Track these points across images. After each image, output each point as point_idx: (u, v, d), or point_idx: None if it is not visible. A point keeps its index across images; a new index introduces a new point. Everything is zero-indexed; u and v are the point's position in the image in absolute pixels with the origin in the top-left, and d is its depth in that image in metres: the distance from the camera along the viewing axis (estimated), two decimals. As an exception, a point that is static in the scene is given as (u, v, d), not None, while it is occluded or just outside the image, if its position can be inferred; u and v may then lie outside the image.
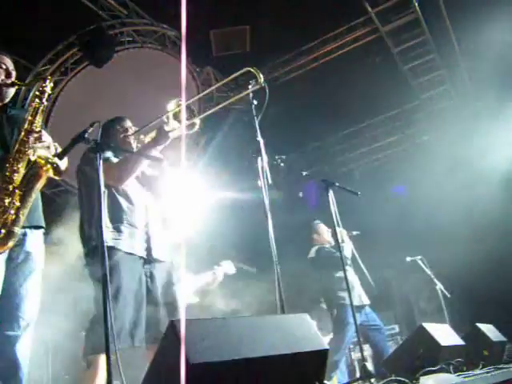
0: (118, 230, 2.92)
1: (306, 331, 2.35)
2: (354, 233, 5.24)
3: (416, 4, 6.25)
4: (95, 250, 2.86)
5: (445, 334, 3.48)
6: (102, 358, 2.62)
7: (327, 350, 2.34)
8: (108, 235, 2.85)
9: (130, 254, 2.92)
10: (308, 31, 6.50)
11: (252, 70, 2.98)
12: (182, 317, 2.70)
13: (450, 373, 2.99)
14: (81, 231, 3.00)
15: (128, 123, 3.29)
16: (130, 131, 3.26)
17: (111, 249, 2.80)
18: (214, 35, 6.00)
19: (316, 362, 2.32)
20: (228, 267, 4.73)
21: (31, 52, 5.55)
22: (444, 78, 7.71)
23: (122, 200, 3.03)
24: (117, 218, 2.95)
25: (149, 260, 3.01)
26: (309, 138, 8.18)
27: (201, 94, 5.54)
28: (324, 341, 2.40)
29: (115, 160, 3.06)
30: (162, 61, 6.30)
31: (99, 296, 2.78)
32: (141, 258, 2.97)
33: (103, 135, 3.10)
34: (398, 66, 7.30)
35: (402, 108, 8.38)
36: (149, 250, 3.02)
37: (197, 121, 3.03)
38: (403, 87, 7.72)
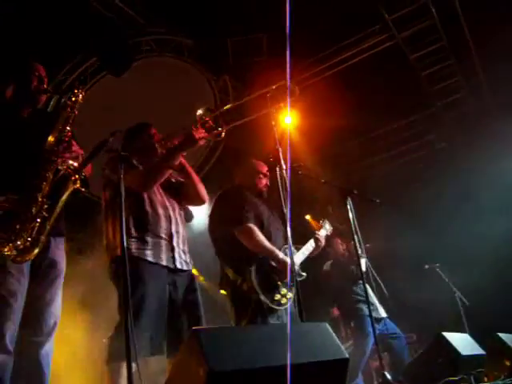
0: (142, 240, 2.96)
1: (327, 340, 2.34)
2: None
3: (433, 10, 6.22)
4: (119, 260, 2.89)
5: (465, 344, 3.45)
6: (124, 366, 2.65)
7: (347, 359, 2.33)
8: (133, 245, 2.88)
9: (155, 263, 2.95)
10: (324, 39, 6.51)
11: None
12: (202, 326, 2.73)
13: (471, 383, 2.96)
14: (105, 240, 3.04)
15: (153, 129, 3.32)
16: (156, 137, 3.28)
17: (136, 259, 2.84)
18: (231, 43, 6.04)
19: (337, 371, 2.32)
20: (328, 227, 4.40)
21: (51, 62, 5.64)
22: (461, 85, 7.65)
23: (147, 210, 3.05)
24: (142, 228, 2.99)
25: (172, 270, 3.03)
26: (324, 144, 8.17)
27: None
28: (344, 350, 2.39)
29: (141, 167, 3.09)
30: (179, 69, 6.35)
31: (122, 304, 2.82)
32: (165, 267, 2.99)
33: (128, 141, 3.15)
34: (415, 72, 7.26)
35: (418, 115, 8.34)
36: (173, 259, 3.04)
37: (223, 130, 3.06)
38: (420, 94, 7.69)
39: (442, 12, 6.32)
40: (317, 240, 3.99)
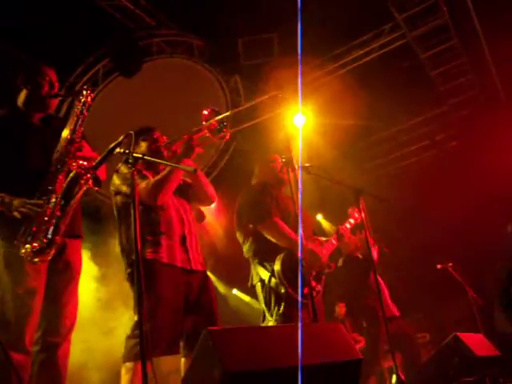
0: (157, 243, 2.97)
1: (340, 340, 2.34)
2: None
3: (444, 8, 6.19)
4: (134, 264, 2.91)
5: (480, 344, 3.42)
6: (140, 366, 2.66)
7: (361, 359, 2.33)
8: (148, 249, 2.90)
9: (170, 265, 2.96)
10: (335, 38, 6.50)
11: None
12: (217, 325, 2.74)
13: (486, 384, 2.93)
14: (120, 244, 3.06)
15: (157, 133, 3.32)
16: (160, 141, 3.28)
17: (151, 262, 2.86)
18: (241, 43, 6.04)
19: (350, 372, 2.31)
20: (352, 221, 4.23)
21: (63, 64, 5.68)
22: (473, 83, 7.60)
23: (159, 213, 3.06)
24: (155, 231, 2.99)
25: (188, 271, 3.04)
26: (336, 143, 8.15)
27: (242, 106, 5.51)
28: (358, 350, 2.39)
29: (150, 177, 3.09)
30: (190, 70, 6.36)
31: (138, 306, 2.84)
32: (180, 268, 3.01)
33: (130, 139, 3.15)
34: (426, 71, 7.22)
35: (430, 113, 8.29)
36: (188, 260, 3.05)
37: (227, 131, 3.05)
38: (431, 93, 7.64)
39: (453, 10, 6.28)
40: (341, 235, 3.99)
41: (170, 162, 3.03)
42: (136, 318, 2.80)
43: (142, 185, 2.97)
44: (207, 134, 3.00)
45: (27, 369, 2.42)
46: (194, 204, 3.37)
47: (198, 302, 3.02)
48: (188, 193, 3.32)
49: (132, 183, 2.34)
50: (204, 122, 2.99)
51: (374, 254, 5.00)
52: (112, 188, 3.09)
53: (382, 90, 6.79)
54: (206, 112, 2.98)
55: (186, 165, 3.00)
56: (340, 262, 5.36)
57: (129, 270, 2.95)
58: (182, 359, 2.98)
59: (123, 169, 3.00)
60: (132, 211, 2.30)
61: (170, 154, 3.18)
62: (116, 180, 3.06)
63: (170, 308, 2.85)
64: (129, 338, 2.80)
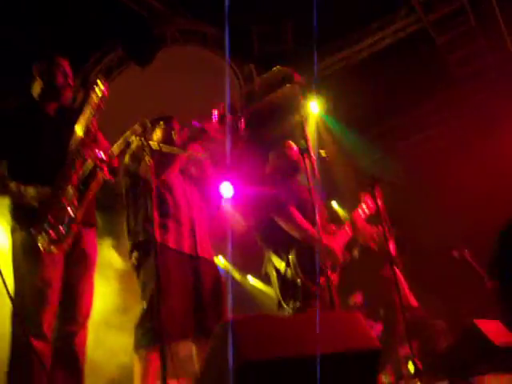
0: (164, 226, 2.97)
1: (359, 329, 2.33)
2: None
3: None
4: (141, 245, 2.93)
5: (498, 332, 3.39)
6: (152, 353, 2.69)
7: (380, 349, 2.32)
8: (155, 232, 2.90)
9: (177, 250, 2.97)
10: (350, 24, 6.42)
11: None
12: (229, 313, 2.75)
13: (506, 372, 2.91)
14: (126, 226, 3.07)
15: (174, 123, 3.32)
16: (177, 132, 3.29)
17: (159, 245, 2.85)
18: (255, 31, 5.99)
19: (369, 361, 2.31)
20: (370, 202, 4.11)
21: (77, 53, 5.69)
22: (491, 68, 7.46)
23: (167, 196, 3.07)
24: (164, 215, 2.98)
25: (195, 257, 3.05)
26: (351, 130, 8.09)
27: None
28: (376, 339, 2.38)
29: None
30: (204, 58, 6.34)
31: (146, 291, 2.86)
32: (187, 254, 3.02)
33: (145, 128, 3.15)
34: (442, 56, 7.11)
35: (446, 98, 8.16)
36: (195, 246, 3.06)
37: (241, 126, 3.03)
38: (447, 77, 7.53)
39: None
40: (354, 221, 3.96)
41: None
42: (144, 304, 2.83)
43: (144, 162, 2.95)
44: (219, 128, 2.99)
45: (47, 356, 2.46)
46: (203, 197, 3.36)
47: (206, 289, 3.03)
48: (198, 186, 3.33)
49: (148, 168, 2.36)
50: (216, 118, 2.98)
51: (391, 247, 4.96)
52: (121, 169, 3.10)
53: (398, 75, 6.72)
54: (220, 107, 2.98)
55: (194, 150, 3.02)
56: (356, 254, 5.32)
57: (135, 254, 2.96)
58: (194, 346, 3.01)
59: (134, 145, 2.98)
60: (148, 201, 2.32)
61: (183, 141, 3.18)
62: (125, 158, 3.07)
63: (179, 293, 2.86)
64: (139, 325, 2.82)
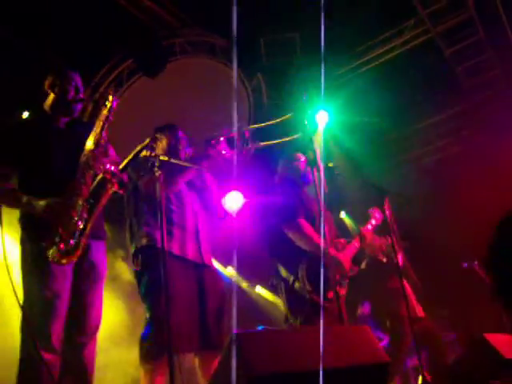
0: (169, 232, 2.96)
1: (367, 343, 2.33)
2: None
3: (470, 2, 6.07)
4: (143, 250, 2.93)
5: (508, 346, 3.35)
6: (159, 365, 2.69)
7: (388, 363, 2.32)
8: (159, 237, 2.90)
9: (182, 258, 2.97)
10: (358, 34, 6.44)
11: None
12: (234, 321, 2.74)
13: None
14: (129, 232, 3.08)
15: (179, 132, 3.34)
16: (182, 141, 3.30)
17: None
18: (264, 43, 6.03)
19: (377, 375, 2.30)
20: (378, 215, 4.10)
21: (87, 65, 5.75)
22: (499, 79, 7.45)
23: (173, 202, 3.08)
24: (169, 222, 2.99)
25: (199, 264, 3.05)
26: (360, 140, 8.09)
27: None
28: (384, 353, 2.37)
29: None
30: (212, 70, 6.38)
31: (150, 299, 2.85)
32: (191, 262, 3.02)
33: (155, 141, 3.18)
34: (451, 67, 7.11)
35: (455, 110, 8.16)
36: (199, 254, 3.06)
37: (250, 146, 3.05)
38: (456, 88, 7.52)
39: (479, 3, 6.16)
40: (363, 236, 3.94)
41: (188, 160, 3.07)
42: (148, 315, 2.82)
43: (150, 178, 2.96)
44: (224, 152, 3.01)
45: (56, 367, 2.47)
46: (207, 209, 3.37)
47: (208, 298, 3.02)
48: (202, 195, 3.33)
49: (156, 184, 2.37)
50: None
51: (400, 258, 4.94)
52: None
53: (407, 86, 6.72)
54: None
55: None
56: (363, 265, 5.31)
57: (138, 257, 2.96)
58: (197, 357, 2.99)
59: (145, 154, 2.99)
60: (159, 214, 2.33)
61: (187, 155, 3.20)
62: (131, 173, 3.07)
63: (184, 302, 2.85)
64: (145, 337, 2.81)
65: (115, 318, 5.15)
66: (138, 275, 2.98)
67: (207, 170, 3.16)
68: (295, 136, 3.17)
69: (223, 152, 2.98)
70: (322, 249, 3.29)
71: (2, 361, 4.05)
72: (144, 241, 2.94)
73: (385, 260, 5.16)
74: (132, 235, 3.05)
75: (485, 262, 4.60)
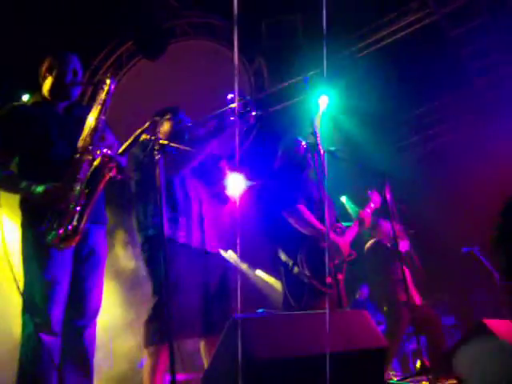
0: (174, 221, 2.97)
1: (366, 328, 2.34)
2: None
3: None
4: (151, 240, 2.93)
5: (507, 331, 3.37)
6: (162, 349, 2.71)
7: (387, 347, 2.33)
8: (166, 228, 2.90)
9: (187, 245, 2.97)
10: (361, 17, 6.36)
11: None
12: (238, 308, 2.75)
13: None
14: (136, 220, 3.07)
15: (181, 114, 3.31)
16: (185, 122, 3.27)
17: (168, 240, 2.85)
18: (265, 25, 5.97)
19: (376, 359, 2.31)
20: (377, 198, 4.07)
21: (86, 48, 5.70)
22: (505, 62, 7.36)
23: (178, 191, 3.07)
24: (174, 210, 3.00)
25: (204, 252, 3.06)
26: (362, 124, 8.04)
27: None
28: (383, 337, 2.38)
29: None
30: (213, 52, 6.32)
31: (155, 286, 2.87)
32: (196, 249, 3.02)
33: (155, 125, 3.14)
34: (455, 49, 7.03)
35: (458, 93, 8.09)
36: (204, 242, 3.06)
37: (252, 115, 3.01)
38: (460, 71, 7.45)
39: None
40: (362, 219, 3.94)
41: (194, 142, 3.04)
42: (154, 300, 2.84)
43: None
44: (232, 118, 2.98)
45: (57, 351, 2.49)
46: (212, 188, 3.36)
47: (214, 284, 3.04)
48: (207, 179, 3.32)
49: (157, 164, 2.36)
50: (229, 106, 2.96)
51: (406, 245, 4.94)
52: (132, 161, 3.08)
53: (410, 69, 6.65)
54: (230, 96, 2.95)
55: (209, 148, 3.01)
56: (368, 244, 5.28)
57: (145, 247, 2.97)
58: (202, 342, 3.02)
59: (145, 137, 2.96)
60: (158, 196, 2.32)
61: (193, 134, 3.17)
62: (137, 151, 3.05)
63: (188, 289, 2.87)
64: (148, 321, 2.83)
65: (115, 304, 5.19)
66: (146, 264, 2.99)
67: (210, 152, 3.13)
68: (297, 99, 3.12)
69: (231, 118, 2.93)
70: (322, 232, 3.29)
71: (3, 345, 4.10)
72: (151, 231, 2.94)
73: (389, 245, 5.16)
74: (139, 224, 3.04)
75: (493, 245, 4.60)
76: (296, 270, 3.41)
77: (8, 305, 4.11)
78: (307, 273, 3.35)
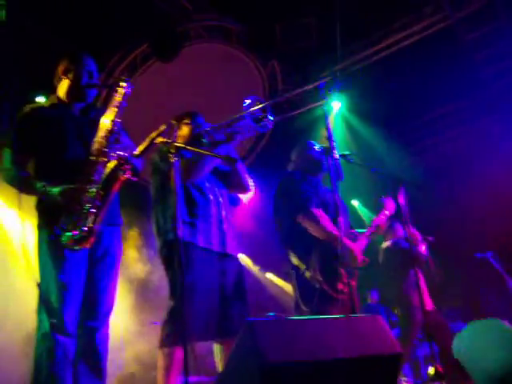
0: (193, 225, 2.98)
1: (379, 333, 2.32)
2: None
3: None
4: (170, 244, 2.94)
5: None
6: (178, 351, 2.72)
7: (401, 353, 2.30)
8: (184, 230, 2.91)
9: (206, 249, 2.98)
10: (375, 21, 6.34)
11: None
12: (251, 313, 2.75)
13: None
14: (155, 225, 3.09)
15: (200, 118, 3.32)
16: (203, 126, 3.28)
17: (187, 244, 2.86)
18: (279, 28, 5.96)
19: (390, 365, 2.29)
20: (391, 205, 4.04)
21: (101, 50, 5.74)
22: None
23: (197, 195, 3.07)
24: (192, 213, 3.01)
25: (223, 255, 3.06)
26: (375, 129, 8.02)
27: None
28: (397, 343, 2.36)
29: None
30: (227, 55, 6.33)
31: (173, 289, 2.88)
32: (215, 252, 3.03)
33: (171, 128, 3.15)
34: (470, 54, 6.99)
35: (473, 97, 8.03)
36: (223, 245, 3.07)
37: (270, 121, 3.01)
38: (475, 76, 7.40)
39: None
40: (377, 226, 3.91)
41: (211, 147, 3.04)
42: (172, 303, 2.85)
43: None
44: (249, 123, 2.98)
45: (71, 351, 2.50)
46: (230, 191, 3.38)
47: (232, 287, 3.04)
48: (225, 179, 3.33)
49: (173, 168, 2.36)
50: (246, 110, 2.96)
51: (422, 249, 4.88)
52: (150, 166, 3.10)
53: (422, 74, 6.63)
54: (248, 101, 2.95)
55: (227, 151, 3.01)
56: (389, 244, 5.22)
57: (164, 251, 2.98)
58: (215, 345, 3.03)
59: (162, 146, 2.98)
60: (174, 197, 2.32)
61: (211, 139, 3.17)
62: (156, 157, 3.07)
63: (206, 292, 2.88)
64: (165, 323, 2.85)
65: (127, 306, 5.21)
66: (166, 268, 3.00)
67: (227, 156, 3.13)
68: (315, 104, 3.12)
69: (249, 123, 2.94)
70: (336, 236, 3.26)
71: (16, 340, 4.14)
72: (170, 235, 2.95)
73: (406, 246, 5.11)
74: (159, 228, 3.05)
75: None
76: (308, 274, 3.39)
77: (23, 303, 4.16)
78: (319, 278, 3.33)
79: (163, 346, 2.82)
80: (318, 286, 3.33)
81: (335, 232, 3.40)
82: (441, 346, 4.85)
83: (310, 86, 3.23)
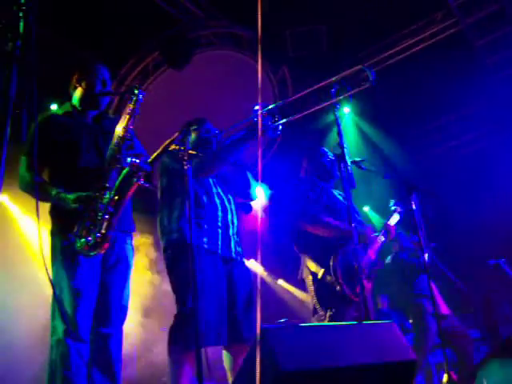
0: (200, 226, 2.97)
1: (394, 340, 2.31)
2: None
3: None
4: (174, 245, 2.94)
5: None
6: (189, 356, 2.71)
7: (415, 360, 2.29)
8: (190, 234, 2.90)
9: (212, 252, 2.98)
10: (385, 27, 6.35)
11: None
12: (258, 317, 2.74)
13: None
14: (160, 225, 3.09)
15: (208, 124, 3.34)
16: (212, 132, 3.29)
17: (193, 246, 2.85)
18: (290, 35, 5.98)
19: (404, 373, 2.28)
20: (397, 217, 4.10)
21: (113, 57, 5.79)
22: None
23: (204, 198, 3.08)
24: (199, 216, 3.00)
25: (228, 259, 3.06)
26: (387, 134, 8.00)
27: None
28: (412, 350, 2.35)
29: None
30: (238, 62, 6.36)
31: (180, 292, 2.87)
32: (221, 257, 3.02)
33: (184, 135, 3.17)
34: (480, 59, 6.97)
35: (483, 103, 7.99)
36: (229, 249, 3.06)
37: (279, 126, 3.01)
38: (485, 81, 7.37)
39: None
40: (388, 231, 3.90)
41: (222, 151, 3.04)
42: (179, 307, 2.84)
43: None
44: (259, 128, 2.98)
45: (85, 357, 2.51)
46: (236, 198, 3.38)
47: (238, 292, 3.02)
48: (231, 186, 3.33)
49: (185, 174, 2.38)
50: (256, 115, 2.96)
51: (426, 257, 4.86)
52: (159, 167, 3.11)
53: (432, 80, 6.61)
54: (257, 107, 2.95)
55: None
56: (388, 260, 5.25)
57: (168, 252, 2.98)
58: (224, 352, 3.01)
59: (174, 147, 2.98)
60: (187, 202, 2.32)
61: (219, 144, 3.18)
62: (166, 158, 3.08)
63: (214, 297, 2.85)
64: (174, 329, 2.83)
65: (138, 312, 5.22)
66: (169, 269, 2.99)
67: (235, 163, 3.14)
68: (321, 109, 3.11)
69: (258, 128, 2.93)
70: (351, 232, 3.23)
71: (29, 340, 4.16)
72: (175, 236, 2.95)
73: (407, 258, 5.10)
74: (163, 228, 3.05)
75: None
76: (329, 278, 3.38)
77: (37, 305, 4.19)
78: (341, 281, 3.32)
79: (173, 352, 2.81)
80: (338, 289, 3.32)
81: (348, 227, 3.39)
82: (458, 353, 4.79)
83: (321, 92, 3.20)
